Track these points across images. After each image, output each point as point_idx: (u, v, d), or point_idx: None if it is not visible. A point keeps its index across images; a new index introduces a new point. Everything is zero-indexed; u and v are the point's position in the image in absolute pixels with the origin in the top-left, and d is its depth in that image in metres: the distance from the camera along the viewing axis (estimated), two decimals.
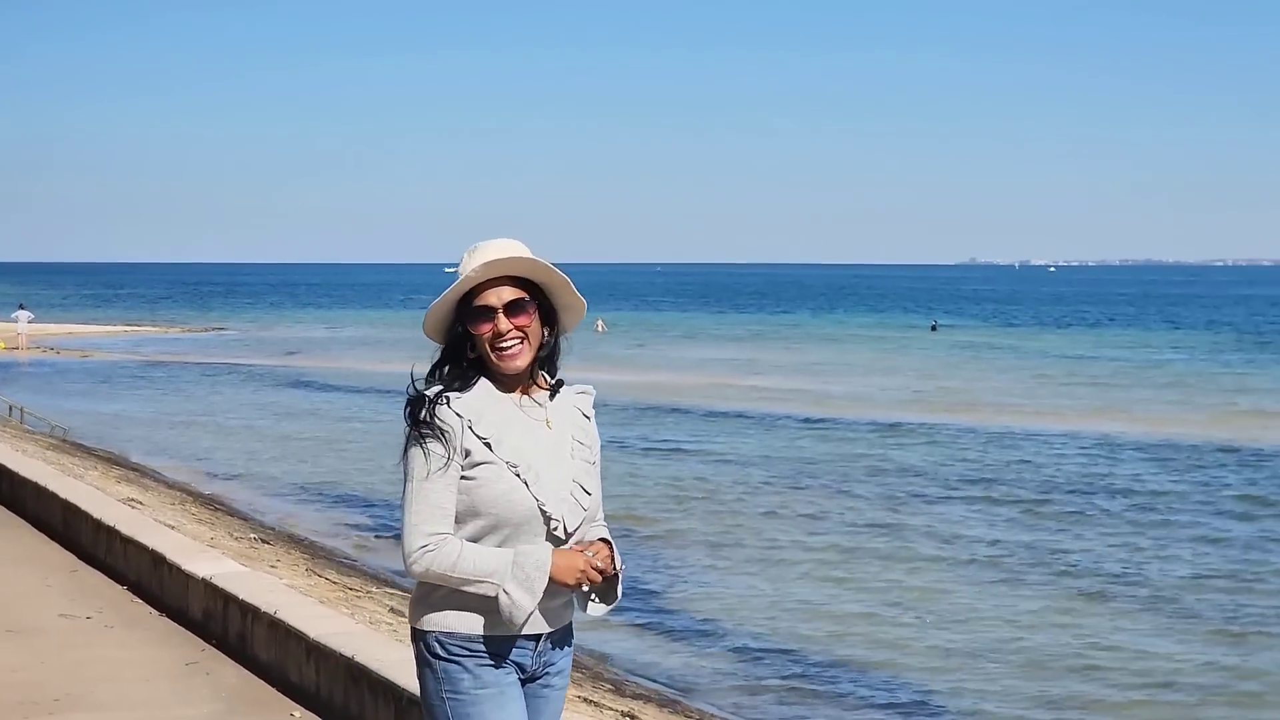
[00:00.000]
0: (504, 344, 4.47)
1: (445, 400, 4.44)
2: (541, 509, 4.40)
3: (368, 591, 15.63)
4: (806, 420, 35.57)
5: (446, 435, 4.39)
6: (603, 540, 4.55)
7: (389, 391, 44.17)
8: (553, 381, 4.64)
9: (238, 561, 12.06)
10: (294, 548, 18.50)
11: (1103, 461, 28.49)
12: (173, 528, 14.30)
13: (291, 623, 8.94)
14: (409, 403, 4.48)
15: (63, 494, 14.26)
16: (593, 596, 4.56)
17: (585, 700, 11.48)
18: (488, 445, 4.40)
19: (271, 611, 9.23)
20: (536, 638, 4.48)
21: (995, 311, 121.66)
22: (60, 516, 14.10)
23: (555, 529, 4.42)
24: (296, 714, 8.52)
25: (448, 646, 4.42)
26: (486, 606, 4.37)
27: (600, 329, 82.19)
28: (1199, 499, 24.07)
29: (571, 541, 4.48)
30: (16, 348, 62.09)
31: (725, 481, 25.93)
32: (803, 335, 79.79)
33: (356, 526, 21.64)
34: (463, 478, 4.39)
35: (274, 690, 8.97)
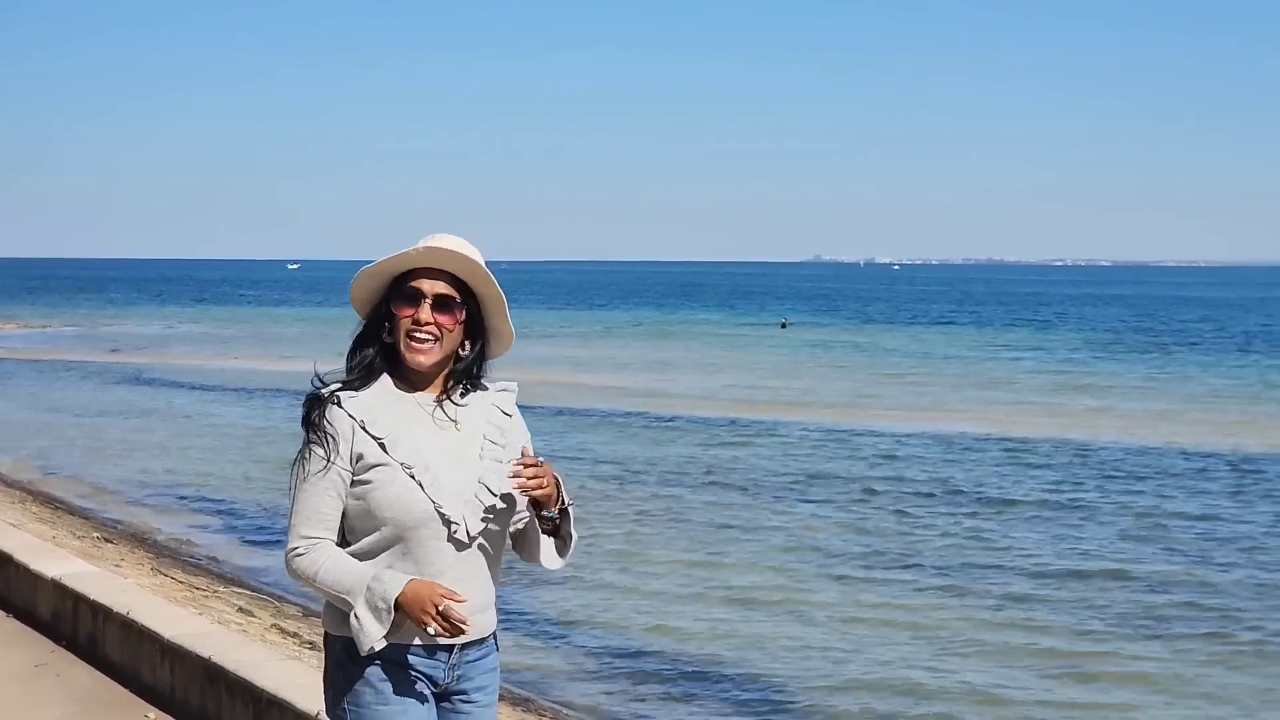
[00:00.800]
0: (418, 335, 4.34)
1: (337, 400, 4.32)
2: (439, 511, 4.27)
3: (215, 591, 15.51)
4: (657, 418, 35.64)
5: (330, 438, 4.27)
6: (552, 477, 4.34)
7: (231, 389, 43.77)
8: (468, 384, 4.50)
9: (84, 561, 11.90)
10: (138, 546, 18.29)
11: (950, 459, 28.84)
12: (15, 526, 14.09)
13: (145, 623, 8.86)
14: (305, 402, 4.38)
15: None
16: (544, 541, 4.42)
17: None
18: (382, 446, 4.28)
19: (124, 612, 9.14)
20: (449, 649, 4.34)
21: (843, 309, 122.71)
22: None
23: (456, 532, 4.29)
24: (151, 715, 8.44)
25: (355, 653, 4.26)
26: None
27: None
28: (1043, 494, 24.46)
29: (477, 543, 4.34)
30: None
31: (571, 484, 25.89)
32: (651, 333, 79.99)
33: (201, 525, 21.39)
34: (358, 481, 4.27)
35: (127, 691, 8.89)
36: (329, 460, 4.27)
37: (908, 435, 32.75)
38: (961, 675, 14.09)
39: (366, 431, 4.28)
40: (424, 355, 4.36)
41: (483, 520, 4.35)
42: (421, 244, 4.37)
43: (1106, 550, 19.99)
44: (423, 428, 4.35)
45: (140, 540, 19.12)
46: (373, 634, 4.16)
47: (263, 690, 7.49)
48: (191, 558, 18.44)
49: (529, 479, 4.24)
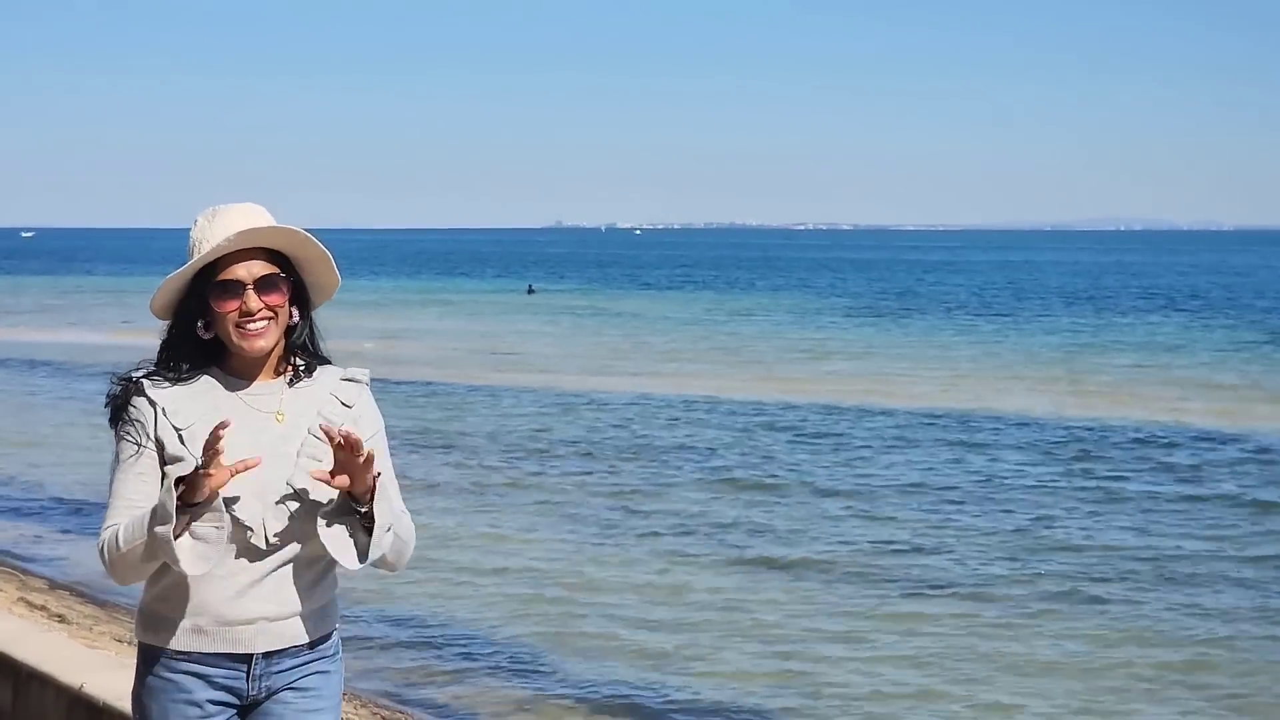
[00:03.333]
0: (251, 324, 3.97)
1: (140, 386, 3.99)
2: (231, 513, 3.88)
3: None
4: (413, 384, 35.43)
5: (138, 423, 3.95)
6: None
7: (36, 363, 42.67)
8: (300, 367, 4.14)
9: None
10: None
11: (701, 423, 29.20)
12: None
13: None
14: (108, 395, 4.05)
15: None
16: (340, 535, 3.96)
17: None
18: (180, 437, 3.94)
19: None
20: (248, 659, 4.00)
21: (587, 274, 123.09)
22: None
23: (251, 537, 3.95)
24: None
25: (150, 664, 4.02)
26: (186, 618, 3.94)
27: None
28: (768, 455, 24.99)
29: (280, 553, 3.98)
30: None
31: None
32: (391, 300, 79.33)
33: None
34: (163, 474, 3.92)
35: None
36: (139, 445, 3.96)
37: (656, 398, 33.10)
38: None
39: (168, 419, 3.95)
40: (263, 339, 4.00)
41: (289, 522, 3.97)
42: (227, 230, 3.97)
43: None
44: (237, 420, 3.88)
45: None
46: (165, 533, 3.74)
47: (22, 663, 7.44)
48: None
49: (330, 473, 3.90)
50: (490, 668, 13.41)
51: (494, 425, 28.45)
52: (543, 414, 30.41)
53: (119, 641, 12.12)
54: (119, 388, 4.04)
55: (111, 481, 4.00)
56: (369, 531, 3.96)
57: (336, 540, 3.96)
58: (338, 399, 4.11)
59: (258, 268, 3.98)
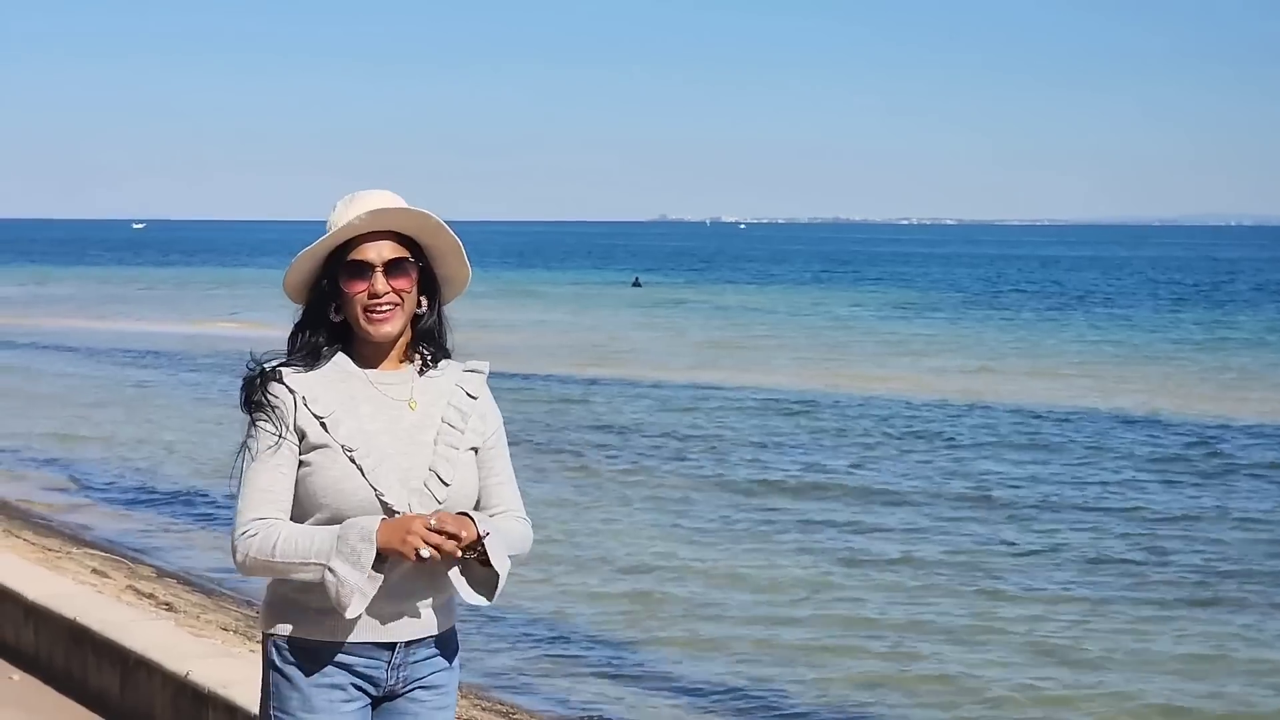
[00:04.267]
0: (378, 307, 3.96)
1: (278, 374, 3.96)
2: (380, 499, 3.88)
3: (67, 552, 15.39)
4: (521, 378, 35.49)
5: (277, 411, 3.91)
6: (462, 514, 3.93)
7: (78, 349, 43.19)
8: (428, 356, 4.12)
9: None
10: None
11: (811, 417, 29.08)
12: None
13: (7, 584, 8.86)
14: (244, 382, 4.00)
15: None
16: (464, 577, 3.94)
17: None
18: (323, 425, 3.91)
19: None
20: (390, 646, 3.97)
21: (692, 267, 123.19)
22: None
23: None
24: (15, 677, 8.46)
25: (284, 654, 3.94)
26: (327, 608, 3.83)
27: None
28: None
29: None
30: None
31: None
32: (496, 291, 79.65)
33: (52, 487, 21.20)
34: (300, 463, 3.92)
35: None
36: (279, 435, 3.91)
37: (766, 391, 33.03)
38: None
39: (308, 408, 3.92)
40: (389, 324, 3.99)
41: (432, 509, 3.93)
42: (356, 208, 3.99)
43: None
44: (371, 407, 3.98)
45: None
46: (354, 582, 3.76)
47: (130, 650, 7.52)
48: (42, 519, 18.29)
49: (445, 546, 3.83)
50: (597, 663, 13.29)
51: (603, 419, 28.42)
52: (651, 407, 30.39)
53: (225, 630, 12.15)
54: (255, 375, 3.99)
55: (243, 469, 3.95)
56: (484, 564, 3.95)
57: (461, 581, 3.96)
58: (463, 390, 4.11)
59: (387, 250, 3.98)
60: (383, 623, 3.92)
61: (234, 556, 3.90)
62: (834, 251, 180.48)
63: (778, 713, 12.18)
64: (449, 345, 4.17)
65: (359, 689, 3.97)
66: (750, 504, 20.30)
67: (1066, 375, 37.90)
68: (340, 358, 4.02)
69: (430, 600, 4.00)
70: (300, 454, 3.92)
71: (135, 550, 16.93)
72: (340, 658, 3.92)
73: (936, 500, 20.72)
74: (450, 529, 3.79)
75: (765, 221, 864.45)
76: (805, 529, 18.72)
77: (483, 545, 3.86)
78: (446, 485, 3.97)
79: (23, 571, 9.39)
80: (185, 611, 12.72)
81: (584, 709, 12.07)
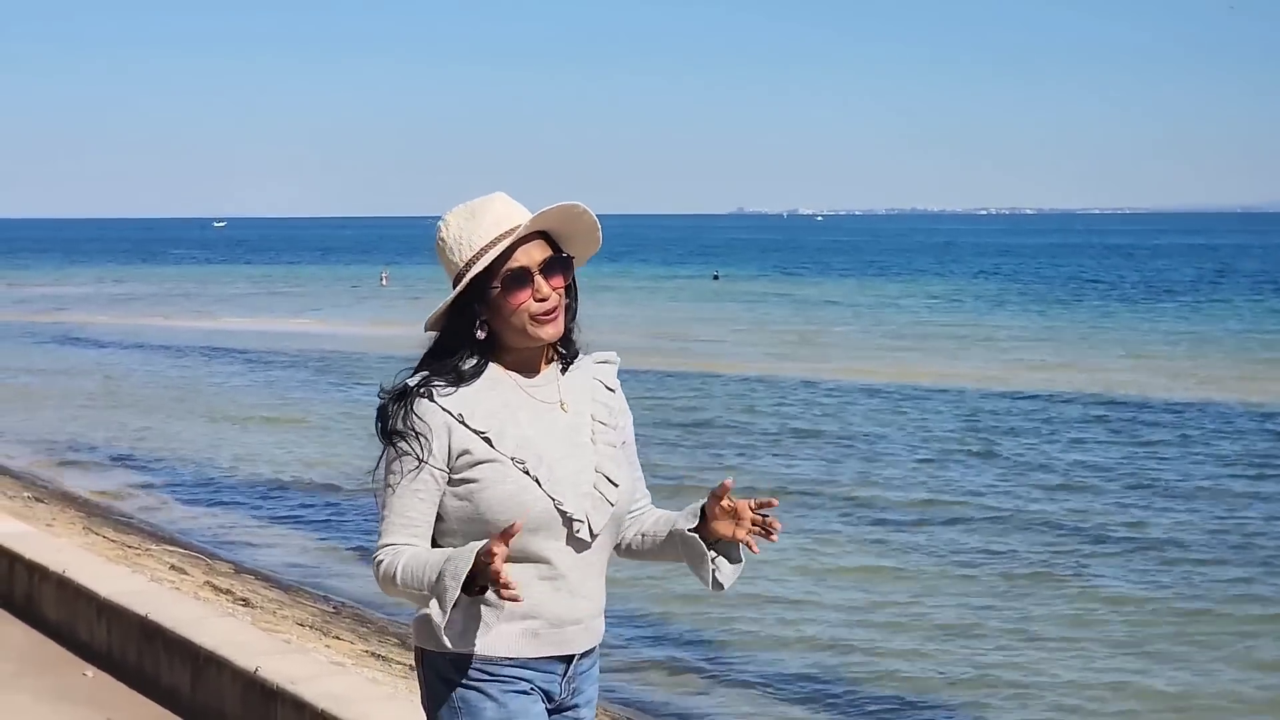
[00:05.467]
0: (545, 312, 3.80)
1: (428, 394, 3.77)
2: (559, 509, 3.75)
3: (146, 549, 15.52)
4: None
5: (421, 436, 3.74)
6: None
7: (158, 347, 43.58)
8: (564, 353, 3.98)
9: (18, 521, 11.94)
10: (69, 506, 18.28)
11: (903, 411, 28.96)
12: None
13: (81, 581, 8.92)
14: (382, 406, 3.81)
15: None
16: (715, 560, 3.85)
17: None
18: (487, 440, 3.75)
19: (60, 570, 9.19)
20: (569, 659, 3.86)
21: (771, 260, 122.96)
22: None
23: (578, 530, 3.79)
24: (89, 673, 8.51)
25: (465, 670, 3.77)
26: (508, 621, 3.75)
27: (384, 281, 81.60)
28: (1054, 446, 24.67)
29: (598, 543, 3.83)
30: None
31: None
32: (583, 286, 79.52)
33: (133, 484, 21.39)
34: (460, 480, 3.75)
35: (64, 650, 8.94)
36: (421, 460, 3.74)
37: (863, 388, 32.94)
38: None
39: (467, 426, 3.75)
40: (553, 327, 3.83)
41: (606, 511, 3.84)
42: (512, 221, 3.80)
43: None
44: (527, 413, 3.83)
45: (71, 500, 19.11)
46: (440, 623, 3.60)
47: (200, 647, 7.56)
48: (123, 516, 18.45)
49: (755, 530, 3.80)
50: (720, 668, 13.10)
51: (686, 413, 28.35)
52: (733, 401, 30.36)
53: (300, 625, 12.24)
54: (397, 397, 3.79)
55: (385, 495, 3.80)
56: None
57: (700, 555, 3.89)
58: (601, 383, 4.00)
59: (537, 252, 3.81)
60: (563, 636, 3.81)
61: (376, 580, 3.79)
62: (912, 243, 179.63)
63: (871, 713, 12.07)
64: (576, 336, 4.01)
65: (539, 708, 3.83)
66: (835, 497, 20.18)
67: (1163, 365, 37.57)
68: (489, 367, 3.85)
69: (601, 606, 3.90)
70: (458, 473, 3.75)
71: (213, 547, 17.05)
72: (520, 673, 3.79)
73: (1027, 494, 20.52)
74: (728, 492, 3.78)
75: (842, 213, 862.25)
76: (899, 523, 18.60)
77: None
78: (616, 485, 3.86)
79: (96, 569, 9.46)
80: (261, 607, 12.81)
81: (679, 710, 12.00)
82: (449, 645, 3.67)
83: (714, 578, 3.86)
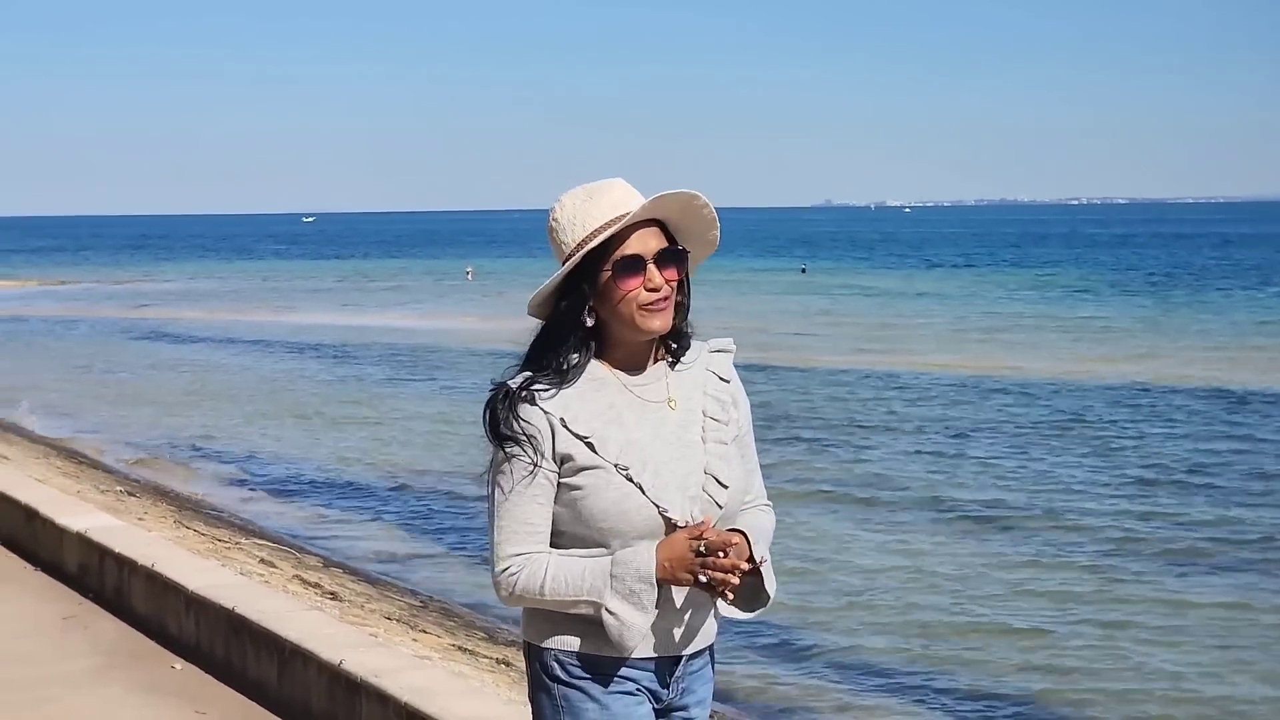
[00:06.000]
0: (654, 302, 3.67)
1: (530, 396, 3.66)
2: (664, 516, 3.63)
3: (236, 543, 15.64)
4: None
5: (531, 439, 3.64)
6: (735, 530, 3.69)
7: (250, 342, 43.93)
8: (675, 347, 3.82)
9: (108, 515, 12.07)
10: (161, 500, 18.43)
11: (999, 402, 28.76)
12: (41, 481, 14.25)
13: (170, 575, 9.01)
14: (487, 406, 3.70)
15: None
16: (726, 596, 3.64)
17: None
18: (589, 446, 3.64)
19: (149, 564, 9.28)
20: (676, 660, 3.77)
21: (858, 253, 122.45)
22: None
23: None
24: (178, 666, 8.59)
25: (569, 668, 3.72)
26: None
27: (469, 276, 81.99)
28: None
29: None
30: None
31: None
32: None
33: (224, 479, 21.57)
34: (567, 487, 3.66)
35: (153, 643, 9.03)
36: (535, 464, 3.65)
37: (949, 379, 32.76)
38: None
39: (569, 429, 3.64)
40: (662, 319, 3.69)
41: (713, 512, 3.70)
42: (628, 205, 3.68)
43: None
44: (633, 414, 3.71)
45: (163, 494, 19.27)
46: (638, 623, 3.58)
47: (286, 640, 7.62)
48: (213, 510, 18.61)
49: (723, 575, 3.57)
50: (833, 670, 12.96)
51: (778, 405, 28.22)
52: (824, 393, 30.23)
53: (388, 619, 12.30)
54: (501, 399, 3.69)
55: (499, 501, 3.69)
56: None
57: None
58: (715, 374, 3.84)
59: (654, 241, 3.69)
60: (671, 636, 3.72)
61: (497, 592, 3.70)
62: (1001, 234, 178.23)
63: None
64: (689, 327, 3.87)
65: (645, 709, 3.76)
66: (922, 490, 20.08)
67: (1264, 356, 37.03)
68: (593, 365, 3.73)
69: (709, 612, 3.79)
70: (564, 478, 3.65)
71: (302, 541, 17.17)
72: (627, 671, 3.70)
73: (1120, 488, 20.29)
74: (721, 543, 3.55)
75: (930, 205, 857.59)
76: (987, 517, 18.46)
77: (757, 570, 3.66)
78: (725, 486, 3.71)
79: (185, 562, 9.55)
80: (349, 601, 12.88)
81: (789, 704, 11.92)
82: (634, 641, 3.60)
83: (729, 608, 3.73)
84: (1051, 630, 13.93)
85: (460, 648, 11.57)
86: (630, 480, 3.61)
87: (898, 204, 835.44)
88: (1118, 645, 13.46)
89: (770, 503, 3.95)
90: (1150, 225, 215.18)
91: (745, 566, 3.58)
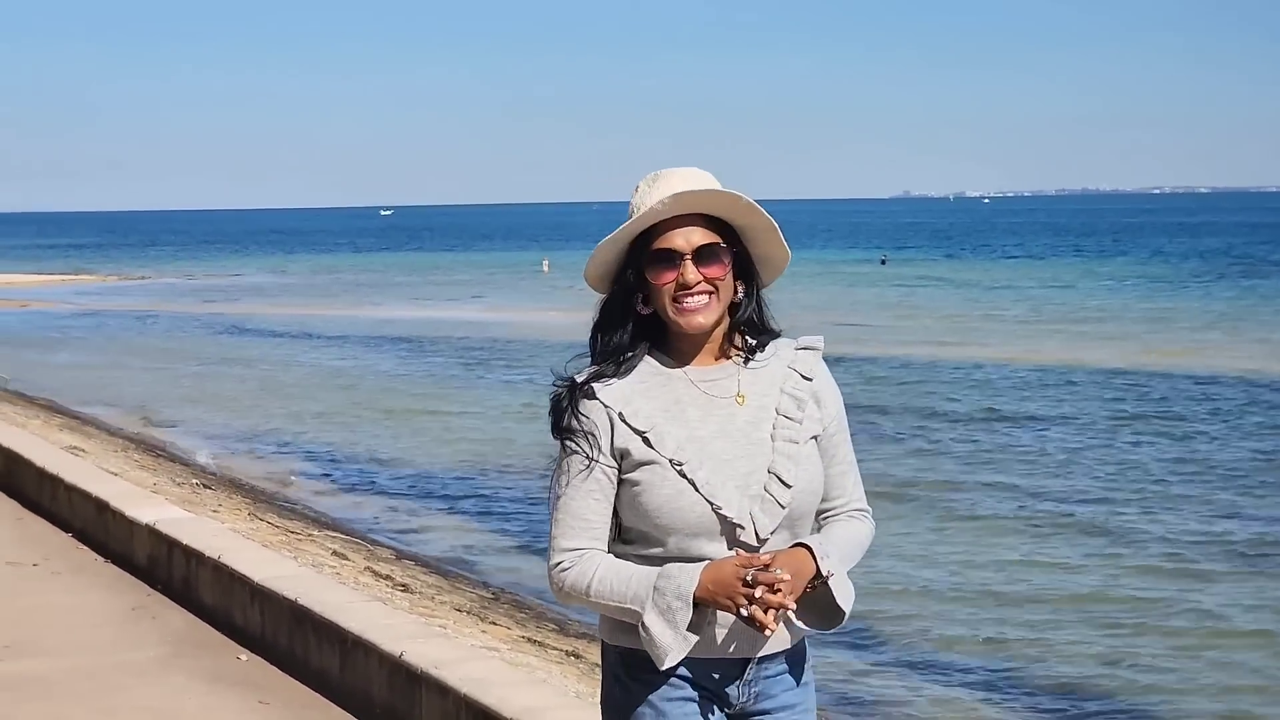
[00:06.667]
0: (688, 298, 3.59)
1: (589, 391, 3.62)
2: (719, 513, 3.55)
3: (309, 535, 15.73)
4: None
5: (589, 435, 3.61)
6: (800, 545, 3.58)
7: (328, 336, 44.18)
8: (752, 344, 3.73)
9: (180, 507, 12.17)
10: (235, 492, 18.55)
11: (1081, 396, 28.52)
12: (116, 475, 14.38)
13: (236, 567, 9.07)
14: (552, 402, 3.67)
15: (5, 442, 14.30)
16: (795, 615, 3.55)
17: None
18: (646, 440, 3.59)
19: (216, 556, 9.35)
20: (743, 663, 3.65)
21: (937, 244, 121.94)
22: (3, 465, 14.16)
23: (741, 534, 3.57)
24: (243, 656, 8.64)
25: (631, 667, 3.65)
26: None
27: (545, 268, 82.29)
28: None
29: (768, 547, 3.58)
30: None
31: None
32: None
33: (299, 471, 21.69)
34: (625, 481, 3.61)
35: (219, 634, 9.10)
36: (591, 459, 3.61)
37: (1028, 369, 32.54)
38: None
39: (627, 424, 3.60)
40: (701, 315, 3.61)
41: (778, 512, 3.60)
42: (663, 194, 3.61)
43: None
44: (697, 410, 3.64)
45: (238, 486, 19.41)
46: (668, 644, 3.50)
47: (348, 631, 7.65)
48: (287, 502, 18.72)
49: (770, 601, 3.44)
50: (891, 659, 12.86)
51: (865, 398, 28.01)
52: (906, 386, 30.13)
53: (458, 611, 12.33)
54: (563, 396, 3.66)
55: (556, 494, 3.67)
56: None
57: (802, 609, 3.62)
58: (796, 371, 3.72)
59: (697, 236, 3.60)
60: (735, 638, 3.61)
61: (550, 587, 3.68)
62: (1083, 224, 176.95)
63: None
64: (776, 326, 3.78)
65: (711, 710, 3.67)
66: (1002, 484, 19.90)
67: None
68: (649, 359, 3.68)
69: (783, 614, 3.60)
70: (624, 473, 3.61)
71: (375, 533, 17.24)
72: (687, 672, 3.61)
73: (1201, 482, 20.01)
74: (771, 579, 3.43)
75: (1010, 195, 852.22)
76: (1070, 512, 18.21)
77: (825, 584, 3.55)
78: (789, 487, 3.60)
79: (250, 554, 9.61)
80: (420, 593, 12.91)
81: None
82: (667, 658, 3.52)
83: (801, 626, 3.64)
84: (1132, 626, 13.77)
85: (530, 640, 11.57)
86: (684, 476, 3.55)
87: (977, 194, 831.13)
88: (1203, 643, 13.25)
89: (867, 509, 3.84)
90: (1234, 214, 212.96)
91: (792, 606, 3.47)
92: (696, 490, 3.54)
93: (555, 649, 11.53)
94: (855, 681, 12.17)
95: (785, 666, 3.71)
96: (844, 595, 3.60)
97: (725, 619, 3.57)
